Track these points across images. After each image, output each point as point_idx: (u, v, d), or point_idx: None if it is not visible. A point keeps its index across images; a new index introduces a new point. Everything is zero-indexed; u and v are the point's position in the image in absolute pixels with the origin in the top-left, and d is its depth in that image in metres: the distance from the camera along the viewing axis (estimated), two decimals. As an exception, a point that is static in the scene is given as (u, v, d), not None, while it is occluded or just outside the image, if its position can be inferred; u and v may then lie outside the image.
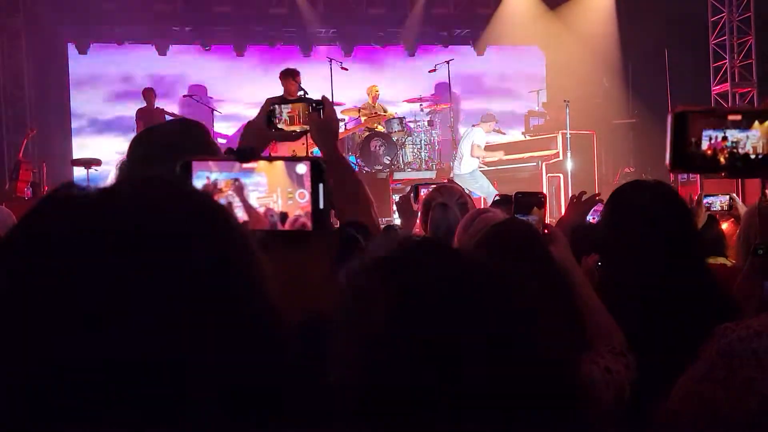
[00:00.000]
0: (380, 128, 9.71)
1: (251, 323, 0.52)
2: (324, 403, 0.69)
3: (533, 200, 1.72)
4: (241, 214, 0.85)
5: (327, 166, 1.74)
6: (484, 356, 0.80)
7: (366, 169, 9.29)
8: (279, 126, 1.77)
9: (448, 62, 9.33)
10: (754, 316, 1.40)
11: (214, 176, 0.84)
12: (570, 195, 8.14)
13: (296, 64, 7.43)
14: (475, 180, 8.20)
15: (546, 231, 1.67)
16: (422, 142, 9.63)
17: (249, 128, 1.81)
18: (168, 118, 9.32)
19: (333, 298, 0.76)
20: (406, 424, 0.78)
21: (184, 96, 9.17)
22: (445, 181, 3.22)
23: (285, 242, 0.83)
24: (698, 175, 8.45)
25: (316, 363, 0.74)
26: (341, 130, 9.47)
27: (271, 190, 0.85)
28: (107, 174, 10.80)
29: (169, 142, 1.27)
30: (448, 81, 9.41)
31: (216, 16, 10.53)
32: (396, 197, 9.05)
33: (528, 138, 9.41)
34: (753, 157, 0.96)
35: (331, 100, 6.77)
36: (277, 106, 1.79)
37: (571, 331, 1.52)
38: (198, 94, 9.19)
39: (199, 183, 0.84)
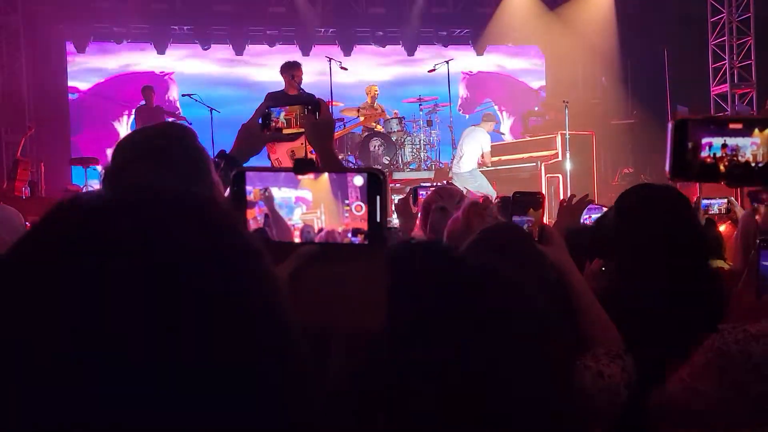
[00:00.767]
0: (379, 128, 9.71)
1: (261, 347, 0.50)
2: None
3: (530, 201, 1.70)
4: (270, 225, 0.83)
5: (324, 166, 1.74)
6: (481, 360, 0.80)
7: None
8: (275, 128, 1.78)
9: (447, 62, 9.33)
10: (753, 321, 1.40)
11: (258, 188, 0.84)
12: (568, 195, 8.18)
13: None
14: (475, 179, 8.21)
15: (543, 232, 1.66)
16: (421, 141, 9.63)
17: (244, 130, 1.81)
18: (167, 117, 9.31)
19: (384, 314, 0.75)
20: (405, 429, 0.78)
21: (183, 95, 9.15)
22: (444, 182, 3.21)
23: (339, 257, 0.82)
24: (697, 176, 8.47)
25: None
26: (341, 129, 9.47)
27: (315, 206, 0.83)
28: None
29: (154, 146, 1.26)
30: (447, 81, 9.40)
31: (215, 15, 10.52)
32: (396, 198, 9.07)
33: (527, 138, 9.41)
34: (753, 165, 0.96)
35: (330, 99, 6.72)
36: (273, 108, 1.79)
37: (567, 332, 1.52)
38: (197, 94, 9.16)
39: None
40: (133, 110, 9.49)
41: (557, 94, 10.94)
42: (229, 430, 0.47)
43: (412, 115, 10.05)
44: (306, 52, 11.80)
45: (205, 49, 11.49)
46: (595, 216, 3.28)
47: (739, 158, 0.95)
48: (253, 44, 11.61)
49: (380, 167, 9.16)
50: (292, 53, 11.41)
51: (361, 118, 9.75)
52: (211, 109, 8.81)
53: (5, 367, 0.46)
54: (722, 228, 3.71)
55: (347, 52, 11.80)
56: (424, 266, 0.86)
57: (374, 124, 9.76)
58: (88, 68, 11.54)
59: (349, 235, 0.81)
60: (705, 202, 3.54)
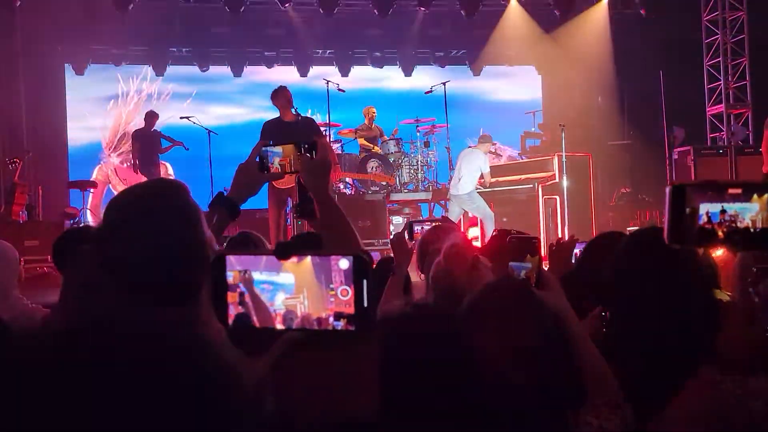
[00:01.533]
0: (376, 149, 9.73)
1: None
2: None
3: (527, 247, 1.69)
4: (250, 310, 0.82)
5: (320, 207, 1.73)
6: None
7: (362, 190, 9.30)
8: (273, 167, 1.77)
9: (444, 84, 9.37)
10: (752, 374, 1.39)
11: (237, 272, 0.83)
12: (565, 217, 8.18)
13: (293, 85, 7.41)
14: (473, 201, 8.20)
15: (540, 278, 1.66)
16: (418, 162, 9.65)
17: (242, 172, 1.81)
18: (164, 141, 9.31)
19: (377, 402, 0.73)
20: None
21: (181, 117, 9.16)
22: (440, 219, 3.20)
23: (325, 343, 0.80)
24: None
25: None
26: (338, 151, 9.48)
27: (298, 291, 0.81)
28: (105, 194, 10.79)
29: (145, 207, 1.25)
30: (444, 102, 9.44)
31: (213, 37, 10.58)
32: (393, 219, 9.08)
33: (524, 159, 9.43)
34: (752, 230, 0.95)
35: (327, 121, 6.68)
36: (269, 151, 1.78)
37: (566, 384, 1.50)
38: (195, 116, 9.17)
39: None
40: (131, 134, 9.49)
41: (553, 114, 10.98)
42: None
43: (410, 135, 10.09)
44: (304, 73, 11.86)
45: (204, 71, 11.55)
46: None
47: (738, 224, 0.95)
48: (252, 65, 11.67)
49: (377, 188, 9.18)
50: (291, 74, 11.47)
51: (360, 140, 9.78)
52: (209, 132, 8.82)
53: None
54: (719, 253, 3.68)
55: (345, 72, 11.86)
56: (417, 354, 0.85)
57: (371, 145, 9.79)
58: (86, 90, 11.59)
59: (331, 319, 0.79)
60: None
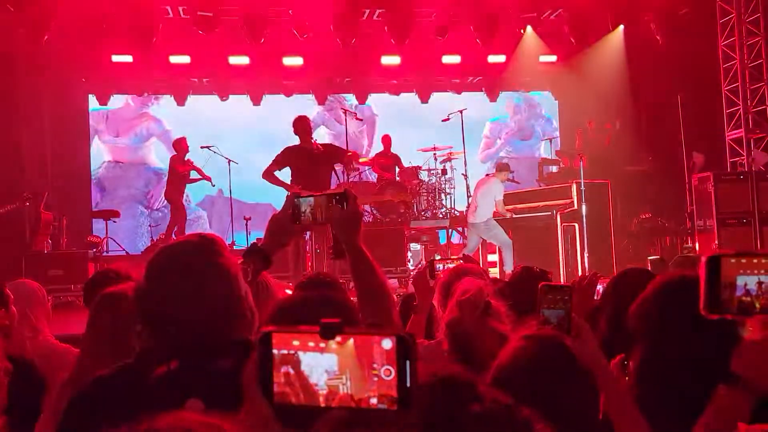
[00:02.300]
0: (394, 176, 9.79)
1: None
2: None
3: (559, 294, 1.69)
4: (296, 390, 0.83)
5: (350, 258, 1.75)
6: None
7: (380, 217, 9.33)
8: (306, 218, 1.79)
9: (461, 111, 9.42)
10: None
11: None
12: (585, 244, 8.13)
13: (311, 113, 7.56)
14: (490, 229, 8.21)
15: (571, 325, 1.66)
16: (436, 190, 9.68)
17: (275, 223, 1.84)
18: (194, 173, 9.42)
19: None
20: None
21: (202, 147, 9.30)
22: (460, 257, 3.20)
23: (367, 423, 0.81)
24: (714, 224, 8.41)
25: None
26: (355, 179, 9.54)
27: (341, 371, 0.82)
28: (125, 226, 10.90)
29: (184, 263, 1.29)
30: (461, 129, 9.48)
31: (232, 67, 10.74)
32: (411, 246, 9.08)
33: (543, 187, 9.42)
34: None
35: (345, 147, 6.78)
36: (301, 200, 1.80)
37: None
38: (215, 145, 9.30)
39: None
40: (169, 159, 9.64)
41: (571, 140, 10.99)
42: None
43: (427, 163, 10.13)
44: (321, 101, 11.99)
45: (224, 100, 11.72)
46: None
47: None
48: (270, 94, 11.82)
49: (395, 216, 9.22)
50: (308, 102, 11.61)
51: (377, 168, 9.85)
52: (229, 161, 8.93)
53: None
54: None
55: (362, 99, 11.98)
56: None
57: (389, 173, 9.84)
58: (109, 120, 11.80)
59: (374, 400, 0.80)
60: None
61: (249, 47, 10.05)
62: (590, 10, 9.92)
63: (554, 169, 10.28)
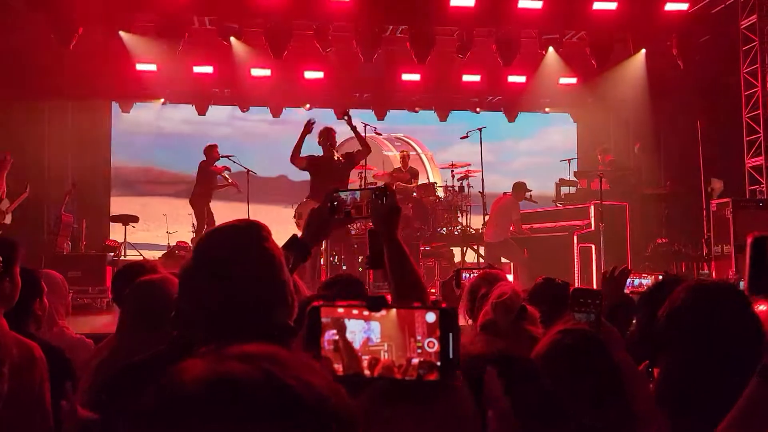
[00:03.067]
0: (411, 192, 9.82)
1: None
2: None
3: (590, 297, 1.73)
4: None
5: (389, 251, 1.77)
6: None
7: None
8: (344, 211, 1.83)
9: (480, 129, 9.44)
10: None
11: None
12: (601, 266, 8.09)
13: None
14: (505, 248, 8.20)
15: (601, 328, 1.68)
16: (453, 207, 9.69)
17: (315, 215, 1.88)
18: (219, 178, 9.50)
19: None
20: None
21: (222, 156, 9.39)
22: (484, 264, 3.22)
23: (412, 394, 0.84)
24: (732, 251, 8.34)
25: None
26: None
27: (383, 339, 0.86)
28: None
29: (233, 245, 1.31)
30: (479, 147, 9.51)
31: (253, 79, 10.86)
32: (425, 264, 9.07)
33: (560, 207, 9.41)
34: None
35: (364, 164, 6.86)
36: (341, 194, 1.85)
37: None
38: (235, 155, 9.39)
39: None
40: (198, 164, 9.71)
41: (589, 162, 10.97)
42: None
43: (444, 180, 10.16)
44: (340, 116, 12.07)
45: (244, 111, 11.85)
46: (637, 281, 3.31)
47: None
48: (290, 107, 11.93)
49: (411, 231, 9.22)
50: (327, 116, 11.70)
51: (395, 183, 9.88)
52: (248, 171, 9.01)
53: None
54: (762, 308, 3.61)
55: (381, 116, 12.05)
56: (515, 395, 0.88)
57: (407, 186, 9.88)
58: (131, 127, 11.96)
59: (417, 369, 0.83)
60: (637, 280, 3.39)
61: (271, 60, 10.17)
62: (612, 33, 9.96)
63: (572, 190, 10.27)
